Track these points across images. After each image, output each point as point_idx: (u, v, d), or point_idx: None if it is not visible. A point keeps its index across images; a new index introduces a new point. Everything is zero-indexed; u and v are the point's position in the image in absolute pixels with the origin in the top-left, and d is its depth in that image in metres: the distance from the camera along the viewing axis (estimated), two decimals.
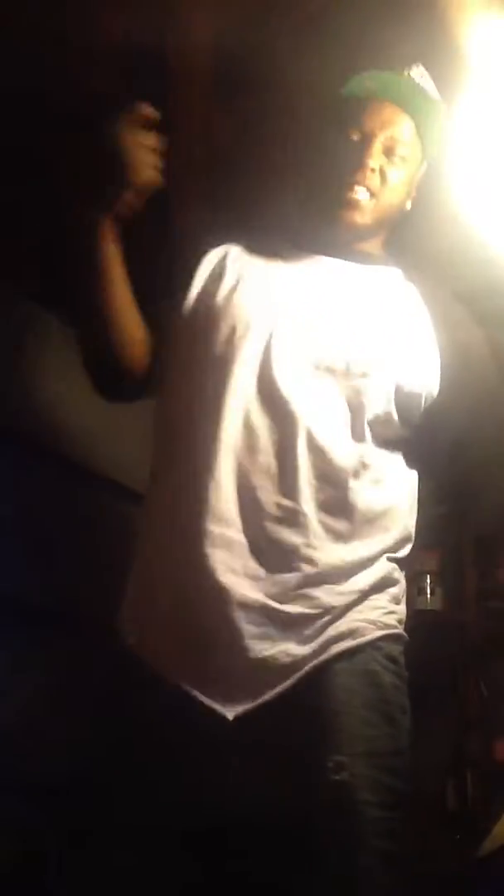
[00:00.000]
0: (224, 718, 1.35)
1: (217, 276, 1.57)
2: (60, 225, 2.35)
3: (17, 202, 2.24)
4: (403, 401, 1.52)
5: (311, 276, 1.57)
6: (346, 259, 1.59)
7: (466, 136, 1.70)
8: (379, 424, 1.50)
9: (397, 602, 1.52)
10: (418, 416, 1.54)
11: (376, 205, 1.56)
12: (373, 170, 1.54)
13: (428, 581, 3.03)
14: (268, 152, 2.17)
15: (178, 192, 2.28)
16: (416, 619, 2.86)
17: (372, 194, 1.55)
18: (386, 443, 1.51)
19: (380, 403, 1.50)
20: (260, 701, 1.36)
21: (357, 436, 1.48)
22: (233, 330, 1.50)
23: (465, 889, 2.20)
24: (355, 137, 1.56)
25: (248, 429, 1.45)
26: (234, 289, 1.54)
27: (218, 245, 1.62)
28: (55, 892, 1.87)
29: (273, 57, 1.92)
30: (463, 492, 1.74)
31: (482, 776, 2.75)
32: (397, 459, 1.54)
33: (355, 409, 1.48)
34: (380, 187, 1.55)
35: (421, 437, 1.56)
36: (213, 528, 1.41)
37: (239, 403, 1.45)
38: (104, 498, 2.23)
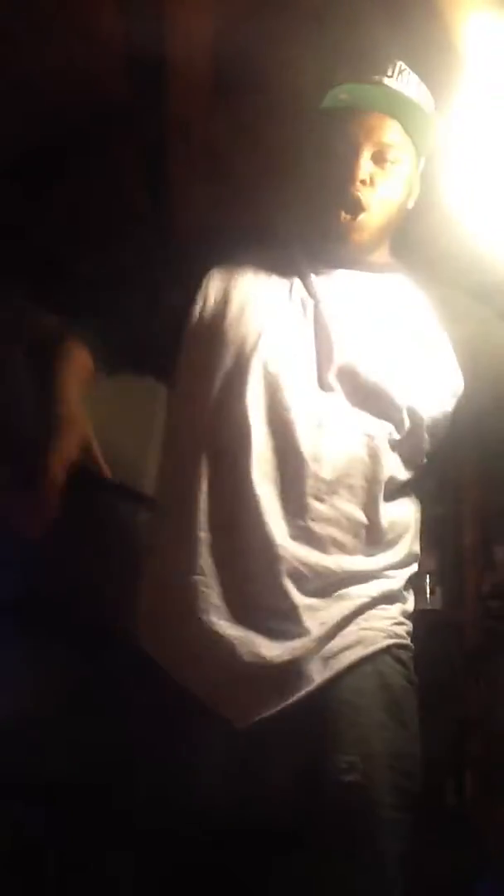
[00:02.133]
0: (235, 727, 1.35)
1: (225, 294, 1.55)
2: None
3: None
4: (416, 414, 1.51)
5: (320, 290, 1.55)
6: (353, 269, 1.58)
7: (464, 135, 1.70)
8: (391, 438, 1.49)
9: (406, 616, 1.53)
10: (441, 421, 1.54)
11: (372, 217, 1.53)
12: (363, 181, 1.50)
13: (427, 581, 3.04)
14: (267, 155, 2.17)
15: (177, 194, 2.29)
16: (416, 619, 2.87)
17: (366, 208, 1.52)
18: (399, 456, 1.51)
19: (392, 418, 1.48)
20: (275, 710, 1.35)
21: (370, 450, 1.46)
22: (243, 347, 1.48)
23: (464, 889, 2.21)
24: (342, 149, 1.52)
25: (259, 443, 1.44)
26: (243, 307, 1.53)
27: (223, 258, 1.60)
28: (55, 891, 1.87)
29: (272, 59, 1.92)
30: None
31: (481, 775, 2.75)
32: (408, 472, 1.54)
33: (368, 426, 1.47)
34: (373, 198, 1.52)
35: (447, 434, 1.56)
36: (220, 536, 1.42)
37: (250, 419, 1.44)
38: (106, 498, 2.23)
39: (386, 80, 1.54)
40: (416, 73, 1.59)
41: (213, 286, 1.56)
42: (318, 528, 1.42)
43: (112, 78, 2.05)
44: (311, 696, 1.36)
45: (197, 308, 1.55)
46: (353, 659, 1.39)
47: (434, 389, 1.52)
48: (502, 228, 1.84)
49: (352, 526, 1.44)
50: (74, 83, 2.07)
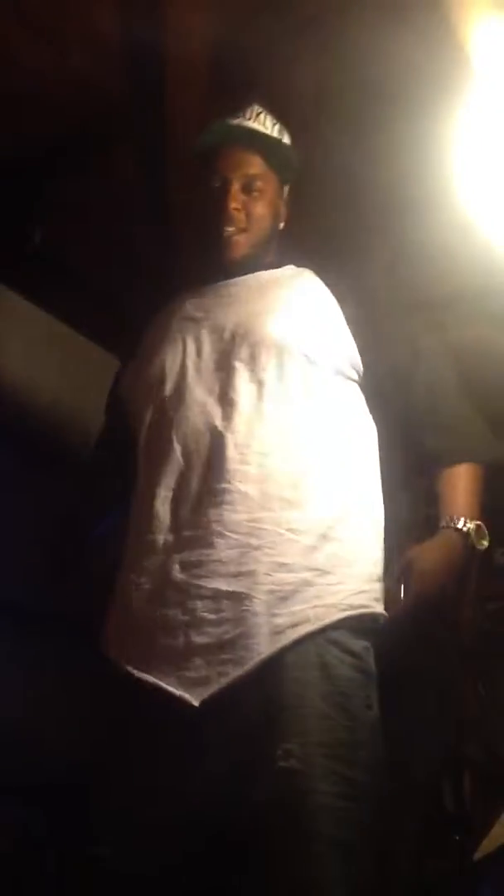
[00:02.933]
0: (190, 705, 1.40)
1: (133, 364, 1.78)
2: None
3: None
4: (327, 354, 1.61)
5: (220, 297, 1.72)
6: (240, 276, 1.74)
7: (470, 136, 1.70)
8: (311, 384, 1.59)
9: (372, 580, 1.53)
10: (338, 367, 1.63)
11: (248, 237, 1.73)
12: (236, 209, 1.71)
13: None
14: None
15: (175, 192, 2.29)
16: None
17: (241, 230, 1.72)
18: (325, 413, 1.59)
19: (302, 364, 1.59)
20: (225, 684, 1.40)
21: (285, 406, 1.57)
22: (150, 398, 1.67)
23: (464, 889, 2.20)
24: (216, 184, 1.72)
25: (185, 436, 1.59)
26: (144, 362, 1.72)
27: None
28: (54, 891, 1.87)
29: (272, 59, 1.92)
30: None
31: (480, 776, 2.75)
32: (344, 423, 1.61)
33: (280, 379, 1.58)
34: (247, 221, 1.72)
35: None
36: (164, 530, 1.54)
37: (182, 420, 1.59)
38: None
39: (244, 122, 1.75)
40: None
41: (123, 378, 1.81)
42: (244, 486, 1.51)
43: (110, 78, 2.05)
44: (256, 681, 1.40)
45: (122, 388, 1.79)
46: (298, 635, 1.43)
47: (326, 335, 1.63)
48: None
49: (279, 478, 1.52)
50: (73, 83, 2.07)
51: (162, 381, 1.65)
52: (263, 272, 1.75)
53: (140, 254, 2.30)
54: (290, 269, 1.77)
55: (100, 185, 2.29)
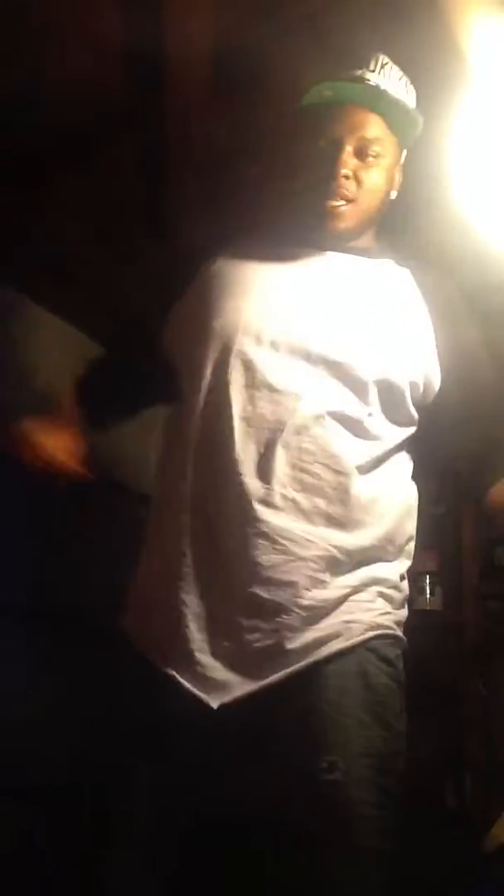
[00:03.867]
0: (209, 708, 1.37)
1: (207, 284, 1.58)
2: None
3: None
4: (396, 386, 1.52)
5: (304, 271, 1.57)
6: (339, 252, 1.60)
7: (468, 135, 1.70)
8: (375, 410, 1.50)
9: (395, 604, 1.51)
10: (419, 401, 1.55)
11: (356, 208, 1.56)
12: (346, 176, 1.54)
13: (428, 581, 3.04)
14: (264, 154, 2.17)
15: (175, 193, 2.29)
16: (416, 619, 2.87)
17: (349, 200, 1.55)
18: (385, 431, 1.52)
19: (372, 389, 1.50)
20: (248, 690, 1.37)
21: (353, 424, 1.48)
22: (226, 338, 1.50)
23: (464, 889, 2.20)
24: (325, 145, 1.55)
25: (239, 431, 1.46)
26: (222, 295, 1.54)
27: (214, 251, 1.62)
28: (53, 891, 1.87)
29: (271, 57, 1.92)
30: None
31: (481, 776, 2.75)
32: (394, 453, 1.54)
33: (350, 397, 1.49)
34: (356, 191, 1.55)
35: (424, 426, 1.57)
36: (202, 519, 1.45)
37: (233, 408, 1.47)
38: (104, 497, 2.23)
39: (367, 75, 1.57)
40: (421, 76, 1.61)
41: (199, 282, 1.59)
42: (301, 498, 1.44)
43: (111, 77, 2.05)
44: (292, 690, 1.38)
45: (185, 305, 1.59)
46: (333, 651, 1.40)
47: (409, 365, 1.54)
48: None
49: (336, 495, 1.45)
50: (74, 83, 2.07)
51: (233, 336, 1.49)
52: (366, 261, 1.60)
53: (140, 254, 2.30)
54: (390, 267, 1.63)
55: (100, 185, 2.28)
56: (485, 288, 1.62)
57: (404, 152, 1.64)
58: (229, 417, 1.46)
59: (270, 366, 1.47)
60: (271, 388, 1.46)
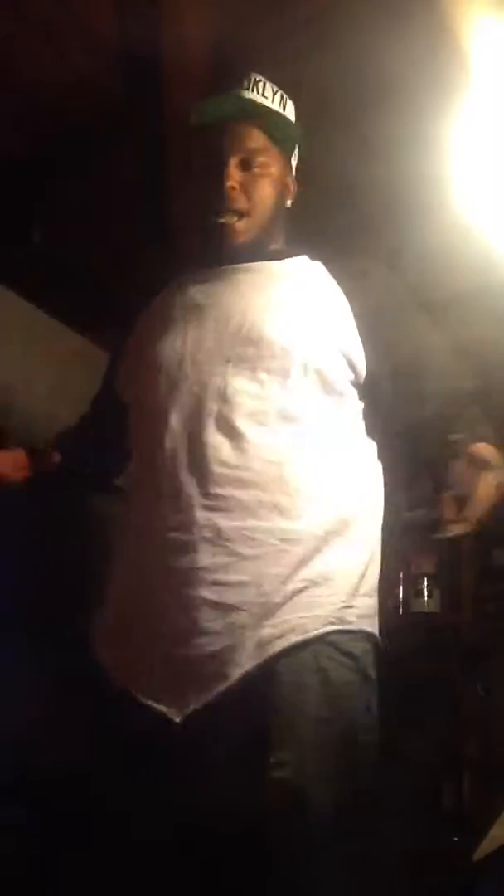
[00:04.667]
0: (171, 722, 1.34)
1: (132, 344, 1.62)
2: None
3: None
4: (322, 369, 1.51)
5: (224, 283, 1.58)
6: (254, 261, 1.59)
7: (469, 136, 1.70)
8: (307, 397, 1.49)
9: (359, 597, 1.47)
10: (350, 381, 1.54)
11: (250, 221, 1.57)
12: (233, 187, 1.54)
13: (425, 583, 3.04)
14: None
15: (174, 195, 2.29)
16: (414, 621, 2.87)
17: (242, 213, 1.56)
18: (322, 415, 1.51)
19: (299, 375, 1.49)
20: (209, 699, 1.35)
21: (286, 412, 1.47)
22: (149, 380, 1.54)
23: (462, 891, 2.20)
24: (209, 161, 1.56)
25: (171, 432, 1.48)
26: (143, 344, 1.58)
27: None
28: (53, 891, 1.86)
29: (271, 58, 1.92)
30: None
31: (479, 777, 2.75)
32: (338, 436, 1.53)
33: (283, 386, 1.48)
34: (247, 204, 1.56)
35: (365, 403, 1.57)
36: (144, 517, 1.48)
37: (176, 414, 1.48)
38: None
39: (242, 92, 1.60)
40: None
41: (119, 364, 1.65)
42: (240, 493, 1.42)
43: (110, 78, 2.06)
44: (246, 688, 1.35)
45: (118, 379, 1.64)
46: (285, 646, 1.37)
47: (330, 348, 1.53)
48: None
49: (275, 485, 1.43)
50: (73, 83, 2.08)
51: (158, 370, 1.52)
52: (274, 262, 1.61)
53: (139, 254, 2.30)
54: (302, 262, 1.63)
55: (100, 185, 2.29)
56: (484, 287, 1.61)
57: (293, 160, 1.66)
58: (160, 430, 1.48)
59: (194, 382, 1.49)
60: (194, 394, 1.48)
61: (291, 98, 1.66)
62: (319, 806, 1.30)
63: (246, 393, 1.47)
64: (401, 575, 2.84)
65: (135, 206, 2.33)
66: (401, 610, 2.80)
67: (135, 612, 1.44)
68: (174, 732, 1.34)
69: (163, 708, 1.36)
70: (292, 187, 1.66)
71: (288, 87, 1.64)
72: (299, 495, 1.44)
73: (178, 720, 1.35)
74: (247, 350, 1.49)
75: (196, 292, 1.58)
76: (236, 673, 1.35)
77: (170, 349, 1.53)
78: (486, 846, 2.17)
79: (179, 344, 1.53)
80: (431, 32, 1.71)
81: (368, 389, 1.56)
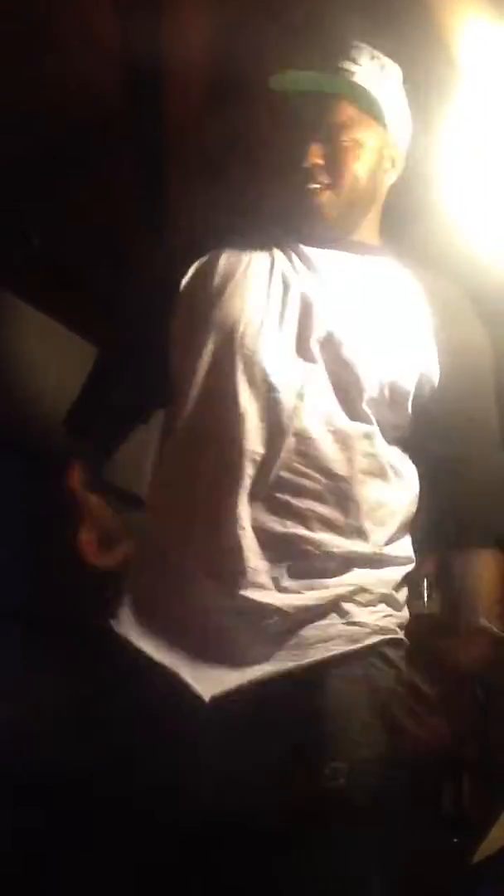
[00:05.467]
0: (200, 700, 1.33)
1: (203, 281, 1.54)
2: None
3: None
4: (397, 387, 1.48)
5: (300, 268, 1.53)
6: (335, 250, 1.55)
7: (460, 137, 1.71)
8: (376, 412, 1.47)
9: (397, 607, 1.49)
10: (416, 402, 1.51)
11: (338, 193, 1.50)
12: (316, 164, 1.48)
13: (425, 584, 3.03)
14: (261, 158, 2.18)
15: (173, 196, 2.30)
16: (414, 622, 2.87)
17: (326, 186, 1.50)
18: (386, 434, 1.48)
19: (373, 390, 1.46)
20: (244, 682, 1.34)
21: (354, 427, 1.45)
22: (227, 330, 1.47)
23: (462, 893, 2.20)
24: (295, 134, 1.50)
25: (244, 419, 1.42)
26: (223, 291, 1.51)
27: (206, 249, 1.59)
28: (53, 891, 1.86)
29: (267, 63, 1.93)
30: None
31: (479, 779, 2.75)
32: (399, 454, 1.51)
33: (350, 397, 1.45)
34: (334, 177, 1.49)
35: (419, 426, 1.53)
36: (204, 512, 1.42)
37: (237, 401, 1.43)
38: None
39: (331, 62, 1.53)
40: (412, 80, 1.59)
41: (196, 278, 1.56)
42: (297, 501, 1.40)
43: (110, 85, 2.06)
44: (295, 692, 1.35)
45: (183, 300, 1.55)
46: (334, 653, 1.37)
47: (410, 369, 1.50)
48: (500, 230, 1.85)
49: (335, 500, 1.42)
50: (73, 90, 2.08)
51: (234, 330, 1.45)
52: (368, 259, 1.55)
53: (139, 254, 2.31)
54: (388, 267, 1.57)
55: (100, 186, 2.29)
56: (473, 291, 1.61)
57: (403, 133, 1.59)
58: (237, 413, 1.42)
59: (272, 363, 1.44)
60: (271, 389, 1.43)
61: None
62: (365, 814, 1.32)
63: (318, 394, 1.44)
64: None
65: (134, 206, 2.34)
66: None
67: (169, 586, 1.42)
68: (203, 713, 1.33)
69: (194, 684, 1.35)
70: (397, 162, 1.59)
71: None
72: (358, 515, 1.43)
73: (206, 698, 1.34)
74: (326, 354, 1.45)
75: (282, 263, 1.52)
76: (271, 667, 1.36)
77: (248, 316, 1.46)
78: (486, 848, 2.17)
79: (259, 315, 1.47)
80: (421, 34, 1.72)
81: (429, 410, 1.52)
